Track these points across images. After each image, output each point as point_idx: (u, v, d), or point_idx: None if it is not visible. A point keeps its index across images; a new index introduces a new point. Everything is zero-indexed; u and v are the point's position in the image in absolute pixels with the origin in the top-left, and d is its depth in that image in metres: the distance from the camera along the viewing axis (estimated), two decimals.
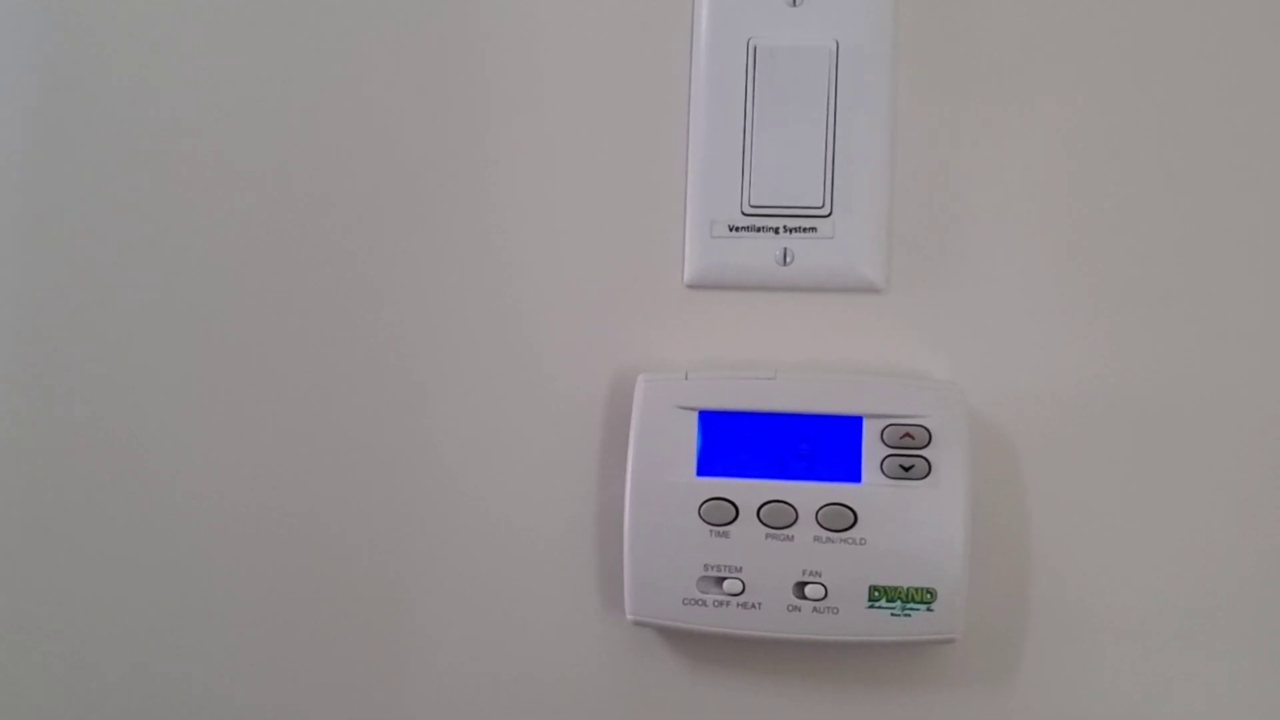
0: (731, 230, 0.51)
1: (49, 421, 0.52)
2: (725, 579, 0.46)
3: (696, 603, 0.47)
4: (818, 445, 0.47)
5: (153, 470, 0.52)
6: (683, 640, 0.50)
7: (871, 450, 0.47)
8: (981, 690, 0.49)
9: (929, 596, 0.46)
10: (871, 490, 0.46)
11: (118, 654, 0.52)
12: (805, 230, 0.50)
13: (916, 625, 0.46)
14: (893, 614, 0.46)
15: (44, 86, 0.53)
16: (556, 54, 0.52)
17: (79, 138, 0.53)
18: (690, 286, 0.51)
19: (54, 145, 0.53)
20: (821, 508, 0.46)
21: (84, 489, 0.52)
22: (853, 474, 0.47)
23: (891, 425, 0.47)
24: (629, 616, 0.47)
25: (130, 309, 0.52)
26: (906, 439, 0.46)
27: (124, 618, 0.52)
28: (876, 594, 0.46)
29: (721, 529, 0.47)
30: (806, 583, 0.46)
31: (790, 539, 0.46)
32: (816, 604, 0.46)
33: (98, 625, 0.52)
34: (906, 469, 0.46)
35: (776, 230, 0.50)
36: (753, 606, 0.46)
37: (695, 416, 0.48)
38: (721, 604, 0.46)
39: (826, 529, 0.46)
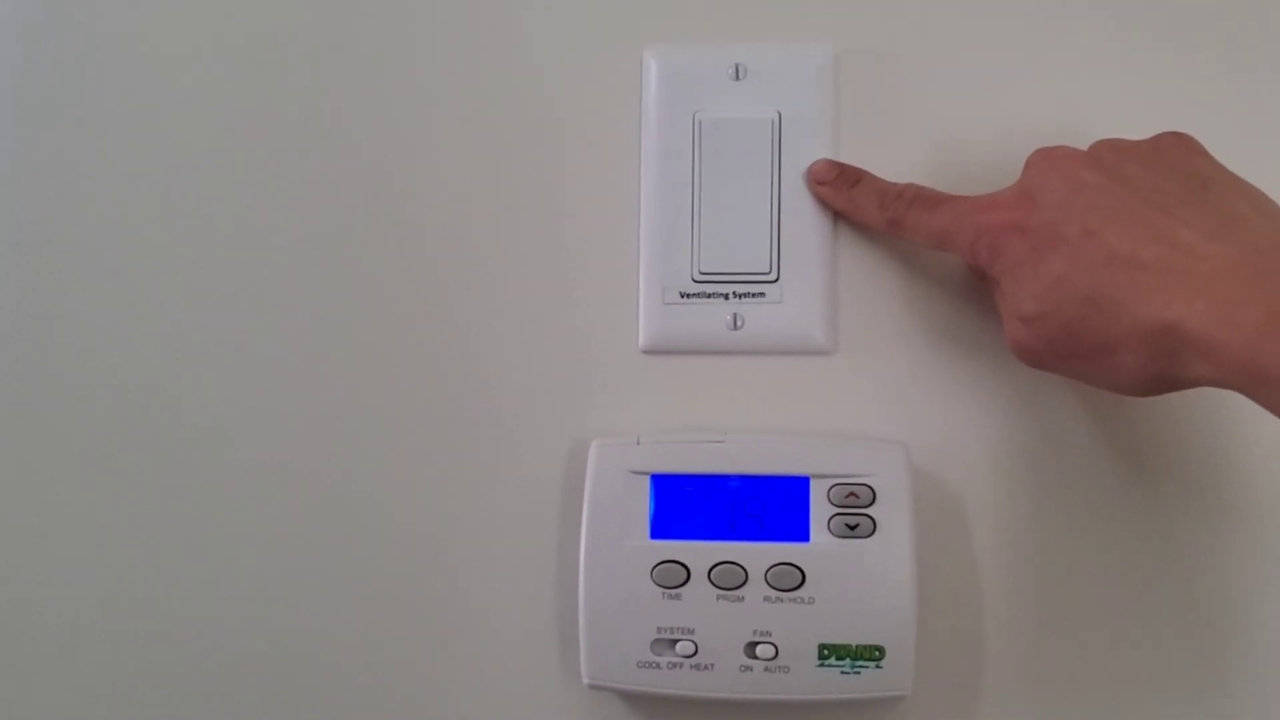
0: (683, 297, 0.52)
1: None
2: (678, 641, 0.47)
3: (651, 665, 0.47)
4: (767, 506, 0.48)
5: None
6: (640, 703, 0.50)
7: (819, 510, 0.47)
8: None
9: (877, 654, 0.46)
10: (819, 549, 0.47)
11: None
12: (754, 295, 0.52)
13: (866, 682, 0.46)
14: (843, 672, 0.46)
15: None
16: (512, 129, 0.53)
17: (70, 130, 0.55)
18: (645, 352, 0.52)
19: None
20: (770, 568, 0.47)
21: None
22: (801, 534, 0.47)
23: (837, 485, 0.48)
24: (585, 680, 0.48)
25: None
26: (852, 498, 0.47)
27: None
28: (826, 652, 0.47)
29: (674, 591, 0.47)
30: (757, 643, 0.47)
31: (741, 599, 0.47)
32: (768, 664, 0.47)
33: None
34: (852, 528, 0.47)
35: (726, 296, 0.52)
36: (705, 668, 0.47)
37: (648, 481, 0.49)
38: (675, 666, 0.47)
39: (776, 589, 0.47)
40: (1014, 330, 0.44)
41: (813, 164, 0.52)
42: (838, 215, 0.52)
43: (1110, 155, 0.43)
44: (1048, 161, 0.44)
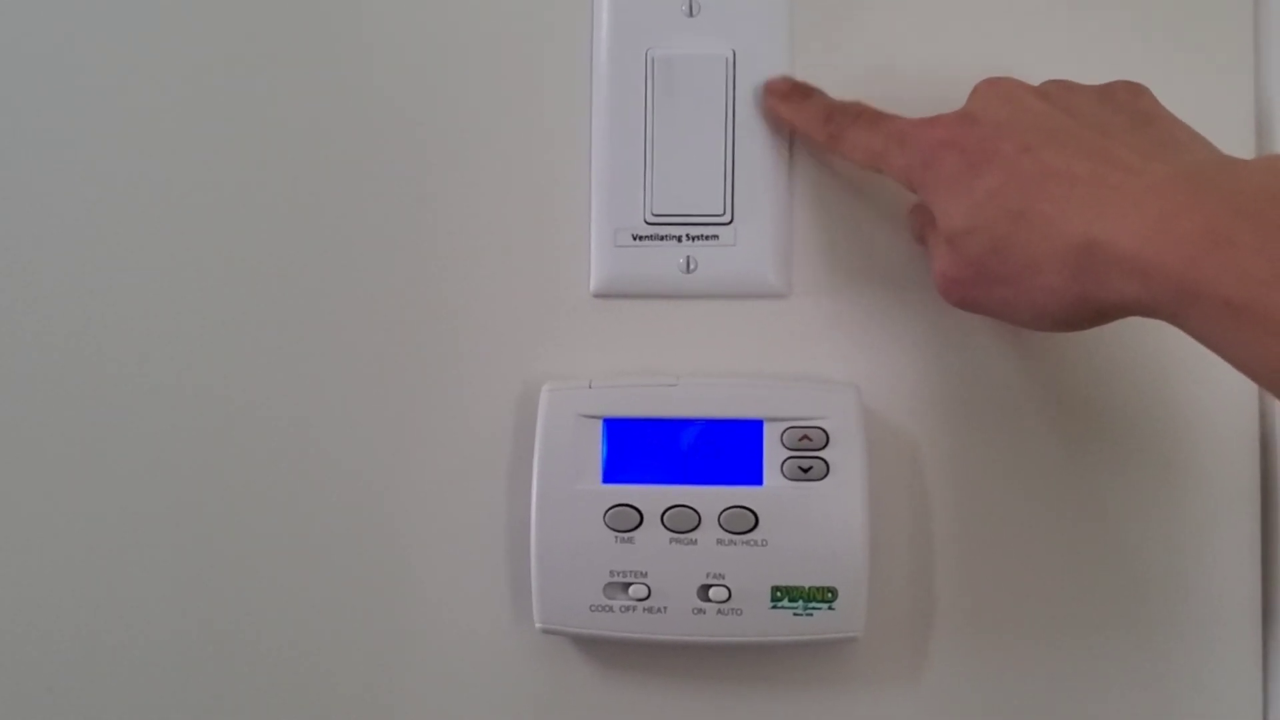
0: (636, 239, 0.51)
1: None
2: (631, 584, 0.47)
3: (604, 609, 0.47)
4: (720, 450, 0.48)
5: None
6: (593, 646, 0.50)
7: (772, 453, 0.47)
8: (887, 687, 0.50)
9: (830, 595, 0.47)
10: (772, 492, 0.47)
11: None
12: (707, 238, 0.51)
13: (819, 624, 0.47)
14: (795, 613, 0.47)
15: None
16: (458, 68, 0.52)
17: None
18: (597, 295, 0.52)
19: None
20: (723, 511, 0.47)
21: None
22: (754, 477, 0.47)
23: (790, 428, 0.47)
24: (537, 624, 0.48)
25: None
26: (805, 441, 0.47)
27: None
28: (779, 594, 0.47)
29: (627, 535, 0.47)
30: (710, 585, 0.47)
31: (694, 542, 0.47)
32: (721, 606, 0.47)
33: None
34: (805, 470, 0.47)
35: (679, 238, 0.51)
36: (658, 610, 0.47)
37: (600, 424, 0.48)
38: (628, 609, 0.47)
39: (729, 531, 0.47)
40: (940, 259, 0.43)
41: (770, 78, 0.51)
42: (785, 128, 0.51)
43: (1057, 90, 0.42)
44: (994, 89, 0.43)
